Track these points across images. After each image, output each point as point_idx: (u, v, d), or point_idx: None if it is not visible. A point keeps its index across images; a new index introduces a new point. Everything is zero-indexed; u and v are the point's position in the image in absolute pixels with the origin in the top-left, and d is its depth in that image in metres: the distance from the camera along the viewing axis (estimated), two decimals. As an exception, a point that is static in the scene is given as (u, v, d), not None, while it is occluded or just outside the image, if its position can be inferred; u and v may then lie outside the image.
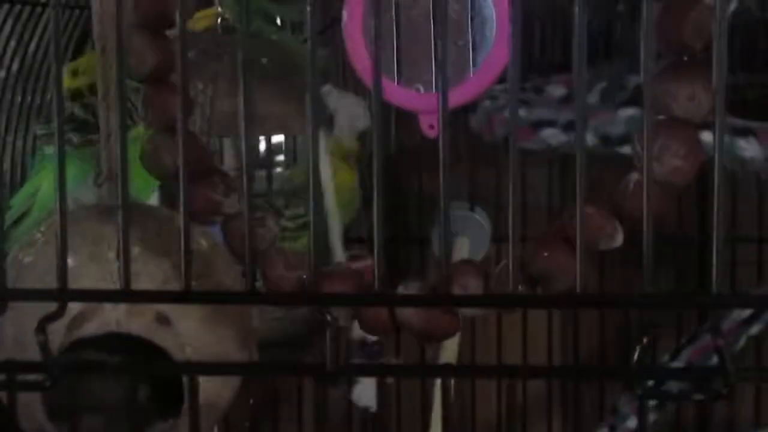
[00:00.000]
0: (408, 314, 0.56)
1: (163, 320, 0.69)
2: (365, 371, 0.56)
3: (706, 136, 0.85)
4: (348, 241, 1.00)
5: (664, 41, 0.52)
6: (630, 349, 0.51)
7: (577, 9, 0.47)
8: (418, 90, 0.56)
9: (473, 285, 0.55)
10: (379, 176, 0.48)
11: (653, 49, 0.49)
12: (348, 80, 1.02)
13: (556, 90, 0.85)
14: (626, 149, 0.83)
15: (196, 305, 0.70)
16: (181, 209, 0.53)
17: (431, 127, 0.55)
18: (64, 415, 0.69)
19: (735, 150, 0.82)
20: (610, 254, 0.55)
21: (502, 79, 0.80)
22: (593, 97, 0.98)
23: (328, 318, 0.48)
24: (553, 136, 0.86)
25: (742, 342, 0.97)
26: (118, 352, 0.70)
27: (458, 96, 0.55)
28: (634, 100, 0.92)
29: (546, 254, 0.54)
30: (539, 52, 1.05)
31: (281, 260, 0.58)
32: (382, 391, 0.86)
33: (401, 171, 1.13)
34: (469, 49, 0.55)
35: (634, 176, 0.54)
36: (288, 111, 0.89)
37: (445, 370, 0.59)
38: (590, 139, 0.84)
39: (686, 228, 1.06)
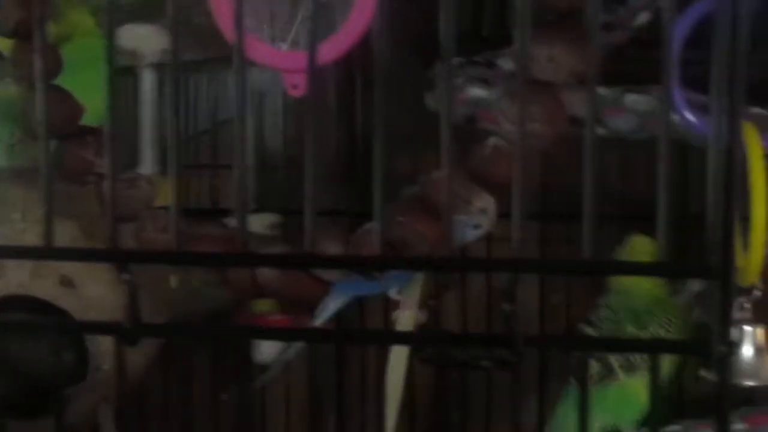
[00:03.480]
0: (270, 276, 0.55)
1: (67, 283, 0.69)
2: (161, 332, 0.55)
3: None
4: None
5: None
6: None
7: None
8: (280, 48, 0.55)
9: (333, 249, 0.54)
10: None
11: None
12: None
13: (507, 63, 0.82)
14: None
15: (104, 269, 0.70)
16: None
17: (295, 86, 0.54)
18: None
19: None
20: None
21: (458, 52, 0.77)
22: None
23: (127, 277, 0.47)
24: None
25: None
26: (22, 313, 0.70)
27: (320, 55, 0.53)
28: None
29: (402, 220, 0.53)
30: (491, 23, 1.01)
31: (151, 222, 0.57)
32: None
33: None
34: (333, 7, 0.53)
35: (493, 140, 0.52)
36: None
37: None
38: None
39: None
